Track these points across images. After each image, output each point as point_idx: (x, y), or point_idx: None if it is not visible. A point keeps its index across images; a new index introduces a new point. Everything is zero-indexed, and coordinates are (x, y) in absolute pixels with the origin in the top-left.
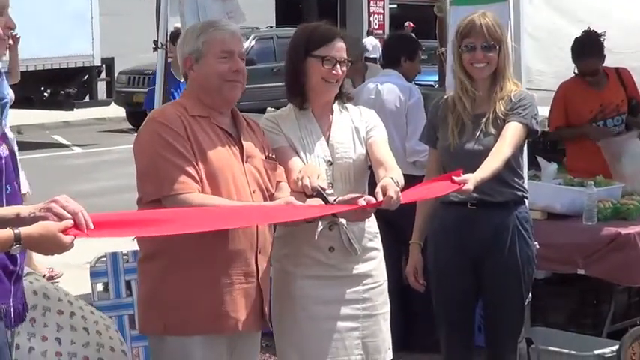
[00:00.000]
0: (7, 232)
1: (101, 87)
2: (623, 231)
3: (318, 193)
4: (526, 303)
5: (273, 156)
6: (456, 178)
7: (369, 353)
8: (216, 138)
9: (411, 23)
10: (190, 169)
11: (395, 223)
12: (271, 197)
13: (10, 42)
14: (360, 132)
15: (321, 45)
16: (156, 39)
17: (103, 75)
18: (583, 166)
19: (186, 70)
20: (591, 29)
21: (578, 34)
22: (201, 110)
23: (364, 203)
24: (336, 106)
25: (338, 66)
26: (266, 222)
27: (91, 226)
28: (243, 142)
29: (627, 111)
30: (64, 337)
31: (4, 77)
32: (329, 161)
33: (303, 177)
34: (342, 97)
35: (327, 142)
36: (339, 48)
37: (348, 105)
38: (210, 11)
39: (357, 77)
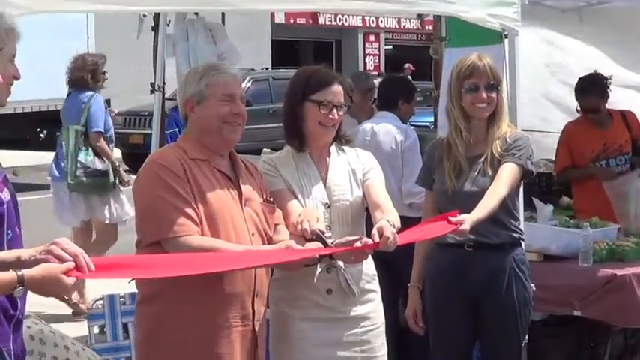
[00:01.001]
0: (10, 275)
1: None
2: (619, 272)
3: (318, 237)
4: (523, 344)
5: (271, 199)
6: (452, 219)
7: None
8: (216, 181)
9: (411, 66)
10: (190, 211)
11: (392, 265)
12: (270, 240)
13: None
14: (357, 174)
15: (318, 89)
16: (152, 81)
17: None
18: (588, 206)
19: (187, 112)
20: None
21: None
22: (201, 153)
23: (361, 245)
24: (333, 149)
25: (335, 110)
26: (266, 263)
27: (92, 267)
28: (242, 186)
29: (632, 151)
30: None
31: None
32: (326, 204)
33: (303, 220)
34: (340, 139)
35: (325, 184)
36: (336, 92)
37: (346, 147)
38: (201, 54)
39: (363, 116)
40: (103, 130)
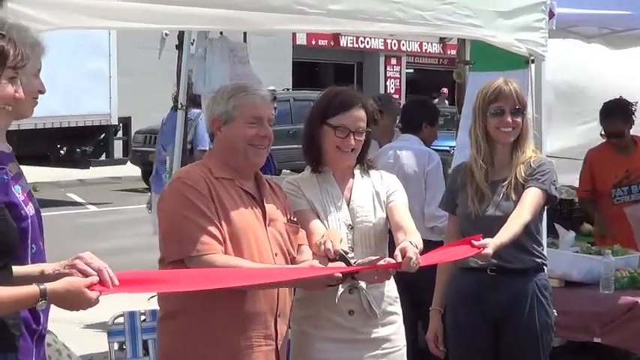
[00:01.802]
0: (33, 288)
1: (117, 146)
2: None
3: (341, 257)
4: None
5: (295, 219)
6: (475, 242)
7: None
8: (240, 200)
9: (445, 90)
10: (214, 230)
11: (412, 287)
12: (293, 260)
13: None
14: (380, 196)
15: (337, 113)
16: (175, 98)
17: (120, 134)
18: (611, 233)
19: (213, 131)
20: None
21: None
22: (226, 172)
23: (383, 264)
24: (357, 170)
25: (352, 136)
26: (288, 279)
27: (116, 282)
28: (266, 205)
29: None
30: None
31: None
32: (349, 225)
33: (326, 241)
34: (364, 164)
35: (348, 205)
36: (356, 117)
37: (370, 170)
38: (215, 74)
39: (385, 139)
40: (208, 148)
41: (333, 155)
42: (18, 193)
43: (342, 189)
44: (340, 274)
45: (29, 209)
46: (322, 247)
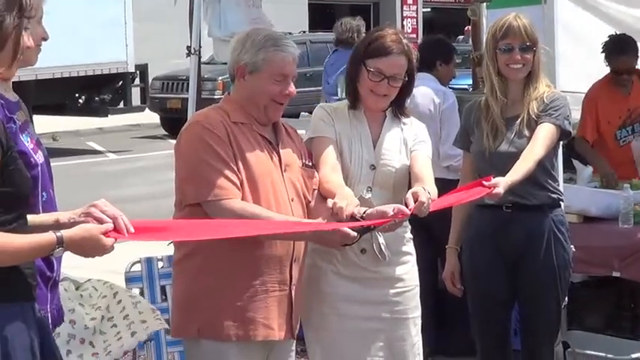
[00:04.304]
0: (49, 236)
1: (135, 93)
2: None
3: (352, 219)
4: (563, 306)
5: (310, 163)
6: (486, 183)
7: (394, 356)
8: (257, 145)
9: (468, 27)
10: (232, 175)
11: (431, 227)
12: (308, 205)
13: None
14: (407, 143)
15: (375, 56)
16: (189, 44)
17: (137, 81)
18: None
19: (236, 76)
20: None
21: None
22: (244, 117)
23: (392, 213)
24: (389, 112)
25: (386, 81)
26: (303, 230)
27: (132, 229)
28: (282, 150)
29: None
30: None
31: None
32: (372, 165)
33: (342, 200)
34: (400, 109)
35: (374, 146)
36: (394, 64)
37: (402, 115)
38: (231, 17)
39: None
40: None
41: (366, 96)
42: (27, 141)
43: (372, 129)
44: (357, 234)
45: (38, 157)
46: (336, 206)
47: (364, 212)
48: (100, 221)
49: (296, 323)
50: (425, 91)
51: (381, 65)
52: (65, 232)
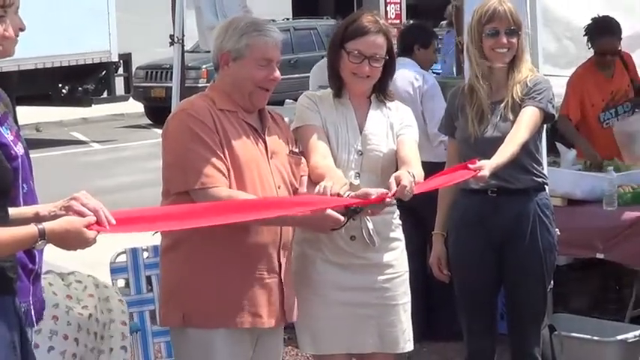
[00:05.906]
0: (32, 228)
1: (119, 83)
2: None
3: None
4: (548, 289)
5: (297, 150)
6: (471, 166)
7: (384, 343)
8: (244, 133)
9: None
10: (219, 163)
11: (419, 213)
12: (295, 192)
13: None
14: (394, 127)
15: (353, 38)
16: (172, 33)
17: (121, 71)
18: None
19: (220, 64)
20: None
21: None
22: (230, 105)
23: (376, 196)
24: (374, 98)
25: (366, 62)
26: (285, 211)
27: (113, 221)
28: (268, 138)
29: (634, 93)
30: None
31: None
32: (359, 151)
33: (328, 181)
34: (382, 92)
35: (361, 131)
36: (372, 43)
37: (387, 100)
38: (228, 4)
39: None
40: None
41: (349, 80)
42: (7, 133)
43: (358, 115)
44: (344, 218)
45: (19, 149)
46: (323, 185)
47: (349, 195)
48: (81, 215)
49: (289, 310)
50: (403, 75)
51: (360, 46)
52: (47, 225)
